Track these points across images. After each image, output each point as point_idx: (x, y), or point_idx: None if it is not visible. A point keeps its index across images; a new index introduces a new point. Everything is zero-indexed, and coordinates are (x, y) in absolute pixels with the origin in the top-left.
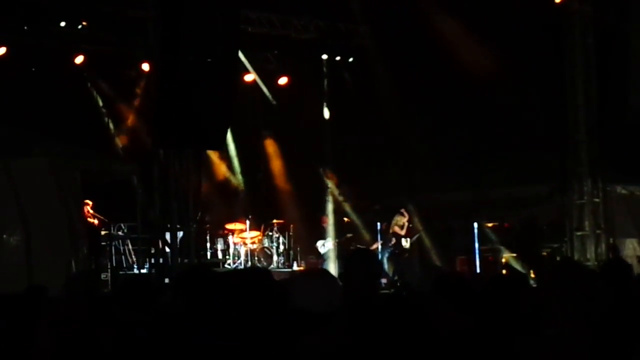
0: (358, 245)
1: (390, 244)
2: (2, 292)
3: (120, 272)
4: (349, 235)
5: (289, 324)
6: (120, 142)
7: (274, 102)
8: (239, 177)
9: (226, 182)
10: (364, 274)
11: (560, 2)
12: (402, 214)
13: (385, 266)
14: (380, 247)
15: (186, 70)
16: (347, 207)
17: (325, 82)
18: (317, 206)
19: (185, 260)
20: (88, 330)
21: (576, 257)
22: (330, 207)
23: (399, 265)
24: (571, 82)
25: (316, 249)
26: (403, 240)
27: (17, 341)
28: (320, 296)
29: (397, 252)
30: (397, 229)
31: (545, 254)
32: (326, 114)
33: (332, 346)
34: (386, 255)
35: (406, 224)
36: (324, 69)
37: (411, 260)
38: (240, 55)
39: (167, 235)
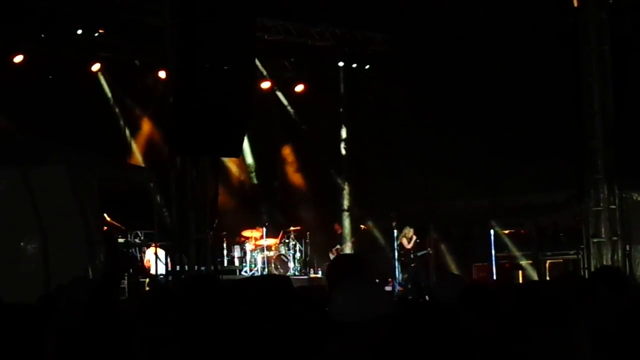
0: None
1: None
2: (17, 300)
3: (141, 280)
4: (338, 247)
5: (323, 333)
6: (137, 149)
7: (291, 110)
8: (256, 184)
9: (243, 190)
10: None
11: (577, 7)
12: (410, 227)
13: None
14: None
15: (202, 78)
16: (363, 215)
17: (342, 90)
18: (334, 213)
19: (202, 268)
20: (87, 339)
21: (592, 264)
22: (345, 214)
23: (409, 274)
24: (587, 89)
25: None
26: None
27: (28, 351)
28: (355, 304)
29: (404, 261)
30: (404, 241)
31: (561, 260)
32: (343, 121)
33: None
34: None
35: (414, 237)
36: (341, 77)
37: (417, 269)
38: (257, 62)
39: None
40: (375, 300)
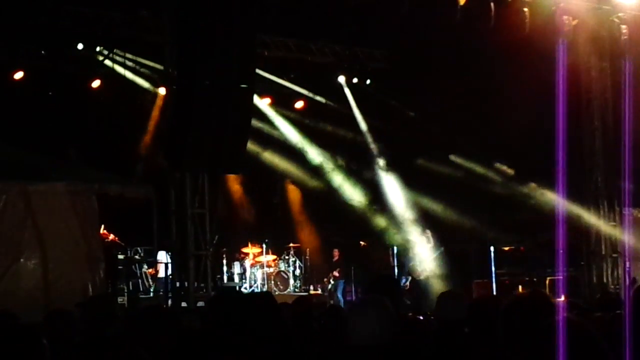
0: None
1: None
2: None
3: (141, 296)
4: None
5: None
6: (137, 165)
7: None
8: (255, 200)
9: (243, 206)
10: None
11: (576, 25)
12: None
13: None
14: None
15: (202, 94)
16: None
17: (345, 105)
18: (334, 230)
19: (202, 285)
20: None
21: (594, 280)
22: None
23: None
24: (587, 106)
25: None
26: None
27: None
28: (373, 328)
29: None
30: None
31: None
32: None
33: None
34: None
35: None
36: (343, 92)
37: (412, 290)
38: (263, 74)
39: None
40: (389, 325)
